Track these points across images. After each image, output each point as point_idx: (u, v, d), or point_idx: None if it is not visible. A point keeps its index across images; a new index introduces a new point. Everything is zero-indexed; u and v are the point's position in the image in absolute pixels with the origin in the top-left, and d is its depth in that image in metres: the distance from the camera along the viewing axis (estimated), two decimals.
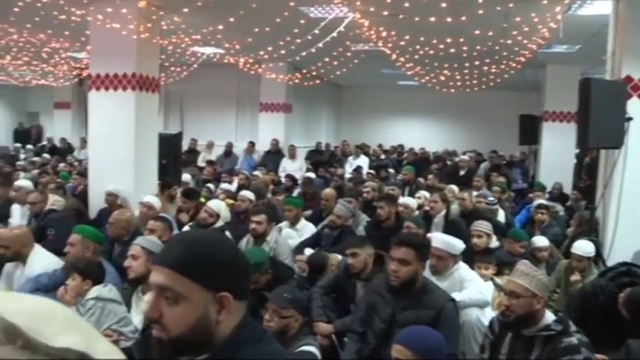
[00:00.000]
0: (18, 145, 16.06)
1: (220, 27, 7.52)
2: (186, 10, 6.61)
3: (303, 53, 8.27)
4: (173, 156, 7.67)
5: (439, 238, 4.10)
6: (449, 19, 6.68)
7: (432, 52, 8.99)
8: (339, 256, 4.54)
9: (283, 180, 9.48)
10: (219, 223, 5.54)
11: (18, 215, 6.23)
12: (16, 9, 6.78)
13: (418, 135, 16.54)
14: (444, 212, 6.31)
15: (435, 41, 8.31)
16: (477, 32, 7.62)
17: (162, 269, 1.29)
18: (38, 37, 9.34)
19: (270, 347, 1.38)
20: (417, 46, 8.70)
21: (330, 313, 4.00)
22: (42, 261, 4.14)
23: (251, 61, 11.09)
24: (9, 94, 19.80)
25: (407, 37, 7.96)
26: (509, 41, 8.22)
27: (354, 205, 6.22)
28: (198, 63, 10.20)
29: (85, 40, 8.20)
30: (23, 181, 6.79)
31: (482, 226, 5.08)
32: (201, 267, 1.28)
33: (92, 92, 7.09)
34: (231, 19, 6.91)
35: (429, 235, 5.37)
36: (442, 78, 10.98)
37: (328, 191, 6.84)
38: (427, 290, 3.23)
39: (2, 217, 6.05)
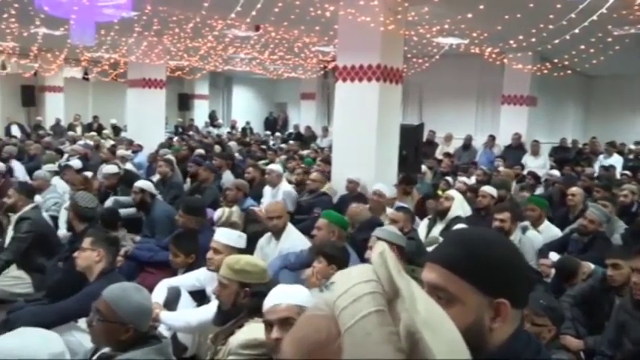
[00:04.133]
0: (268, 132, 17.63)
1: (469, 15, 7.26)
2: None
3: (556, 41, 7.63)
4: (413, 147, 7.65)
5: None
6: None
7: None
8: (592, 265, 4.11)
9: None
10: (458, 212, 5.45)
11: (269, 196, 6.73)
12: (276, 9, 7.31)
13: None
14: None
15: None
16: None
17: (436, 267, 1.21)
18: (292, 33, 10.03)
19: None
20: None
21: (580, 327, 3.62)
22: (292, 238, 4.49)
23: (496, 51, 10.63)
24: (262, 86, 21.90)
25: None
26: None
27: (610, 210, 5.57)
28: (439, 54, 10.08)
29: (333, 34, 8.58)
30: (275, 165, 7.37)
31: None
32: (480, 268, 1.18)
33: (339, 83, 7.37)
34: (481, 7, 6.63)
35: None
36: None
37: (576, 189, 6.27)
38: None
39: (256, 197, 6.59)
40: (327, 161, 8.18)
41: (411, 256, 3.92)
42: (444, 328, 0.81)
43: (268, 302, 2.29)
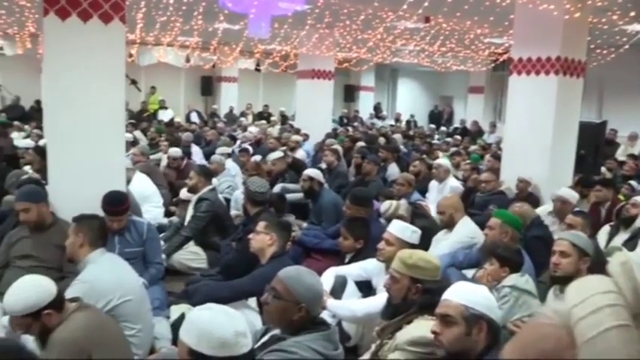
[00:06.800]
0: (432, 126, 17.32)
1: None
2: None
3: None
4: (593, 147, 7.05)
5: None
6: None
7: None
8: None
9: None
10: None
11: (435, 191, 6.60)
12: (449, 0, 7.12)
13: None
14: None
15: None
16: None
17: None
18: (464, 24, 9.71)
19: None
20: None
21: None
22: (463, 231, 4.43)
23: None
24: (428, 78, 21.58)
25: None
26: None
27: None
28: (629, 44, 9.17)
29: (508, 24, 8.16)
30: (442, 160, 7.22)
31: None
32: None
33: (513, 77, 7.01)
34: None
35: None
36: None
37: None
38: None
39: (422, 191, 6.48)
40: (497, 157, 7.84)
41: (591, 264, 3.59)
42: None
43: (444, 295, 2.30)
